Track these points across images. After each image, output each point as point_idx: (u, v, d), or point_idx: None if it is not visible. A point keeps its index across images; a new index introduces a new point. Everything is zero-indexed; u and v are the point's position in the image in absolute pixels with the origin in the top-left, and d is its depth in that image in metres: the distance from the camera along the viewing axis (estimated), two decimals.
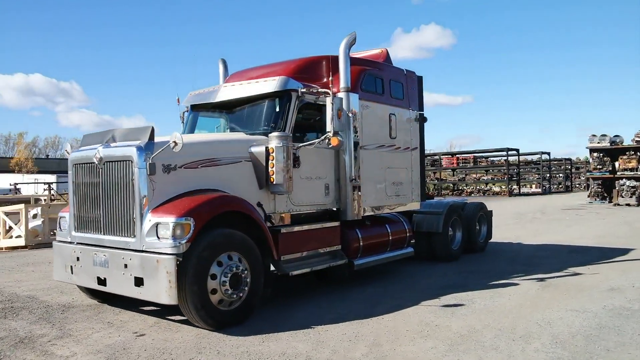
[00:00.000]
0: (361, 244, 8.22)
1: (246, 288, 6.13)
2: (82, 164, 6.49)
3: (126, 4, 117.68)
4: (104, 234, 6.23)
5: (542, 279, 8.69)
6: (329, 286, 8.29)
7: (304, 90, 7.30)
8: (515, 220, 21.37)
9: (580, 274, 9.13)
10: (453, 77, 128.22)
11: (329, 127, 7.08)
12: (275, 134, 6.80)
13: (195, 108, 8.26)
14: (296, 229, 7.18)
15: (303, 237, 7.26)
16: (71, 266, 6.60)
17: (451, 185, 54.43)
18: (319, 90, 7.25)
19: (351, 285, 8.33)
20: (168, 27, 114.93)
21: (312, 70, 8.04)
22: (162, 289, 5.54)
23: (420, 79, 10.07)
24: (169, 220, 5.60)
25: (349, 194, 7.94)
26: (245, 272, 6.14)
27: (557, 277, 8.87)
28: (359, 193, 8.05)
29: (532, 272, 9.32)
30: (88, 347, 5.39)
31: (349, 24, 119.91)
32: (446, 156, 54.87)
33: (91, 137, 6.64)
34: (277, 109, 7.32)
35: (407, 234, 9.49)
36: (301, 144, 7.22)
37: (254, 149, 6.74)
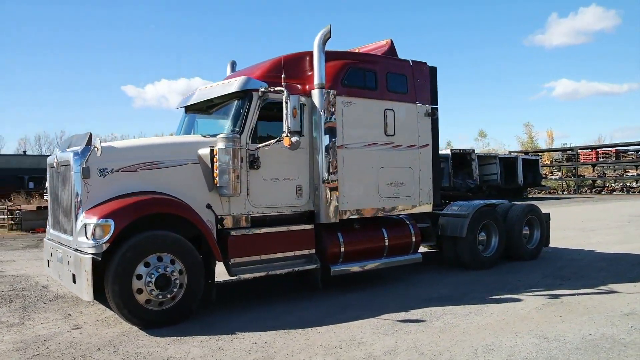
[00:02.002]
0: (342, 249, 7.81)
1: (176, 289, 6.20)
2: (49, 167, 7.11)
3: None
4: (61, 232, 6.77)
5: (558, 296, 7.47)
6: (302, 292, 7.99)
7: (264, 89, 7.13)
8: (620, 223, 18.52)
9: (616, 292, 7.66)
10: (616, 62, 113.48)
11: (284, 126, 6.83)
12: (221, 135, 6.76)
13: (186, 110, 8.52)
14: (252, 231, 7.06)
15: (262, 239, 7.12)
16: (48, 260, 7.28)
17: (590, 181, 48.86)
18: (276, 89, 7.02)
19: (329, 292, 7.94)
20: None
21: (293, 67, 7.79)
22: (82, 286, 5.86)
23: (433, 70, 9.20)
24: (91, 221, 5.89)
25: (322, 195, 7.58)
26: (176, 273, 6.21)
27: (581, 294, 7.55)
28: (336, 195, 7.65)
29: (559, 287, 8.06)
30: (18, 336, 5.92)
31: (496, 12, 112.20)
32: (584, 150, 49.31)
33: (64, 142, 7.24)
34: (240, 110, 7.26)
35: (413, 239, 8.77)
36: (260, 145, 7.08)
37: (200, 151, 6.78)
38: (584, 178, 49.81)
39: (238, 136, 6.88)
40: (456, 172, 37.85)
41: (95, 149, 5.95)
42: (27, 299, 7.87)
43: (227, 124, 7.35)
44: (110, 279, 5.86)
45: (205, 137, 7.12)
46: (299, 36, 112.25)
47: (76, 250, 6.11)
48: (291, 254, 7.37)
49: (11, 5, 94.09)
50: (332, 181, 7.59)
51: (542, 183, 45.90)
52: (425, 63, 9.03)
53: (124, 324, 6.28)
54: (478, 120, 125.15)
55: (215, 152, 6.66)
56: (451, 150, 37.92)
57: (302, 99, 7.60)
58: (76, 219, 6.18)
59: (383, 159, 8.31)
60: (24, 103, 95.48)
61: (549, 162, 52.40)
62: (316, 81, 7.54)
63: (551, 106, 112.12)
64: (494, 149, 67.52)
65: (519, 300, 7.31)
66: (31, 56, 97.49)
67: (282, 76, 6.88)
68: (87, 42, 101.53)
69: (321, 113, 7.52)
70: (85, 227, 5.97)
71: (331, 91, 7.62)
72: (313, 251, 7.56)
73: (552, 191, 50.18)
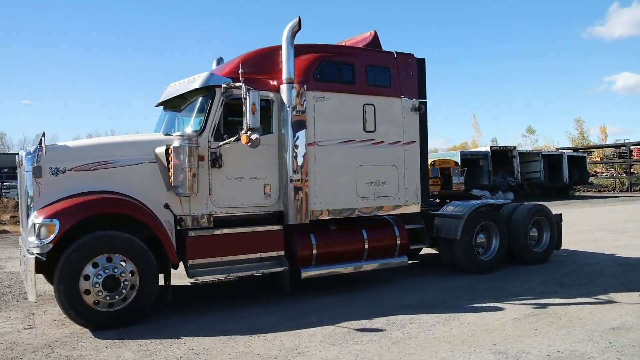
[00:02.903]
0: (315, 251, 7.46)
1: (126, 291, 6.06)
2: (18, 165, 7.14)
3: None
4: (24, 232, 6.78)
5: (546, 305, 6.85)
6: (271, 296, 7.68)
7: (226, 85, 6.89)
8: None
9: (614, 302, 6.95)
10: None
11: (244, 123, 6.56)
12: (177, 133, 6.59)
13: (165, 107, 8.39)
14: (212, 232, 6.84)
15: (224, 241, 6.89)
16: (20, 259, 7.33)
17: None
18: (236, 84, 6.75)
19: (300, 296, 7.61)
20: None
21: (265, 62, 7.53)
22: (28, 286, 5.82)
23: (421, 62, 8.68)
24: (37, 221, 5.83)
25: (290, 195, 7.26)
26: (126, 274, 6.07)
27: (574, 303, 6.88)
28: (306, 194, 7.31)
29: (553, 295, 7.41)
30: None
31: (553, 5, 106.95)
32: (637, 147, 46.37)
33: (34, 140, 7.26)
34: (204, 107, 7.06)
35: (398, 241, 8.29)
36: (221, 143, 6.86)
37: (157, 150, 6.61)
38: (638, 176, 46.79)
39: (195, 134, 6.67)
40: (496, 169, 36.49)
41: (36, 148, 5.89)
42: (5, 296, 7.98)
43: (188, 121, 7.18)
44: (56, 279, 5.79)
45: (168, 135, 6.96)
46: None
47: (27, 250, 6.09)
48: (257, 255, 7.09)
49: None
50: (300, 180, 7.26)
51: (590, 181, 43.51)
52: (411, 55, 8.52)
53: (77, 326, 6.19)
54: (529, 117, 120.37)
55: (170, 151, 6.48)
56: (491, 147, 36.59)
57: (271, 94, 7.31)
58: (27, 218, 6.16)
59: (362, 156, 7.88)
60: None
61: (599, 159, 49.60)
62: (284, 75, 7.23)
63: (611, 101, 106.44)
64: (547, 145, 64.78)
65: (500, 309, 6.74)
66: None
67: (240, 71, 6.61)
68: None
69: (288, 109, 7.21)
70: (34, 227, 5.93)
71: (300, 86, 7.29)
72: (282, 253, 7.26)
73: (602, 189, 47.46)
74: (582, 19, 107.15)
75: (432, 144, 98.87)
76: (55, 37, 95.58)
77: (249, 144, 6.49)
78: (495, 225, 9.39)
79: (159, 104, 8.05)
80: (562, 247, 12.00)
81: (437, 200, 10.92)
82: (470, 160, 35.99)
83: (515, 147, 36.74)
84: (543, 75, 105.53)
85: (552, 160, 38.28)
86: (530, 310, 6.66)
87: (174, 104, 7.79)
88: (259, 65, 7.52)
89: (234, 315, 6.63)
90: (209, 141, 6.89)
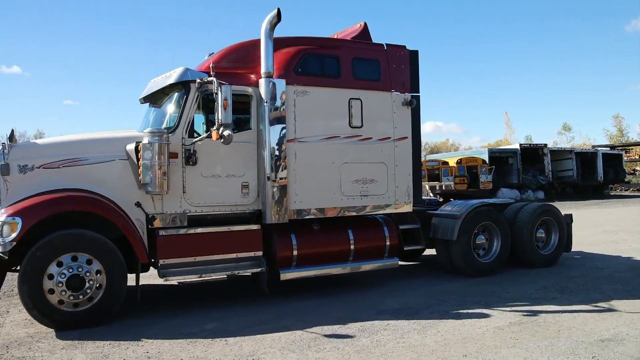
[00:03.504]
0: (295, 252, 7.19)
1: (91, 291, 5.94)
2: None
3: None
4: None
5: (538, 313, 6.39)
6: (248, 297, 7.44)
7: (200, 80, 6.68)
8: None
9: (613, 310, 6.42)
10: None
11: (215, 119, 6.36)
12: (147, 130, 6.41)
13: (150, 103, 8.25)
14: (184, 231, 6.65)
15: (197, 240, 6.69)
16: None
17: None
18: (207, 79, 6.53)
19: (279, 297, 7.36)
20: None
21: (245, 56, 7.30)
22: None
23: (414, 54, 8.26)
24: (0, 219, 5.76)
25: (267, 194, 7.01)
26: (91, 274, 5.95)
27: (568, 311, 6.39)
28: (284, 193, 7.04)
29: (550, 301, 6.93)
30: None
31: None
32: None
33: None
34: (179, 102, 6.89)
35: (388, 242, 7.92)
36: (195, 140, 6.67)
37: (128, 147, 6.47)
38: None
39: (165, 130, 6.50)
40: (526, 168, 35.35)
41: (3, 145, 5.82)
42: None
43: (168, 117, 7.02)
44: (20, 278, 5.72)
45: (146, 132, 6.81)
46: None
47: None
48: (233, 256, 6.87)
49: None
50: (278, 178, 7.00)
51: (627, 180, 41.58)
52: (403, 47, 8.12)
53: (43, 328, 6.10)
54: (566, 115, 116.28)
55: (139, 148, 6.32)
56: (520, 145, 35.42)
57: (249, 89, 7.08)
58: None
59: (347, 153, 7.55)
60: None
61: (637, 157, 47.31)
62: (262, 70, 6.97)
63: None
64: (584, 143, 62.43)
65: (486, 316, 6.31)
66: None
67: (211, 65, 6.41)
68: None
69: (265, 104, 6.95)
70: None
71: (279, 80, 7.02)
72: (260, 253, 7.01)
73: None
74: (627, 10, 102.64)
75: (467, 142, 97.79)
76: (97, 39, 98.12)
77: (222, 140, 6.30)
78: (497, 225, 8.90)
79: (141, 100, 7.91)
80: (577, 249, 11.42)
81: (441, 199, 10.47)
82: (499, 158, 34.97)
83: (546, 145, 35.46)
84: (583, 71, 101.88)
85: (585, 158, 36.77)
86: (518, 317, 6.21)
87: (156, 100, 7.64)
88: (240, 60, 7.30)
89: (206, 317, 6.43)
90: (182, 138, 6.72)
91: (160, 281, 6.69)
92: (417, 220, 8.76)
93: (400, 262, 10.32)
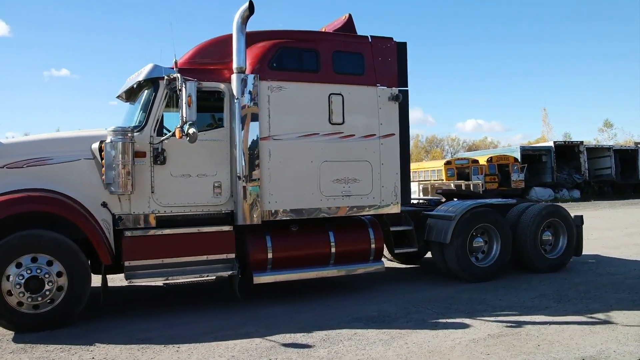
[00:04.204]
0: (270, 255, 6.89)
1: (50, 293, 5.82)
2: None
3: None
4: None
5: (522, 324, 5.89)
6: (221, 301, 7.17)
7: (167, 77, 6.47)
8: None
9: (609, 323, 5.84)
10: None
11: (180, 117, 6.14)
12: (110, 128, 6.24)
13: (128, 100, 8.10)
14: (151, 232, 6.46)
15: (165, 241, 6.48)
16: None
17: None
18: (174, 75, 6.30)
19: (252, 302, 7.07)
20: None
21: (220, 51, 7.04)
22: None
23: (402, 46, 7.79)
24: None
25: (239, 194, 6.74)
26: (52, 275, 5.83)
27: (558, 323, 5.87)
28: (257, 193, 6.75)
29: (542, 311, 6.42)
30: None
31: None
32: None
33: None
34: (149, 100, 6.71)
35: (373, 245, 7.52)
36: (162, 138, 6.48)
37: (93, 146, 6.32)
38: None
39: (129, 129, 6.32)
40: (561, 166, 33.95)
41: None
42: None
43: (137, 115, 6.85)
44: None
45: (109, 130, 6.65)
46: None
47: None
48: (203, 258, 6.63)
49: None
50: (250, 178, 6.72)
51: None
52: (390, 39, 7.68)
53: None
54: (608, 112, 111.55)
55: (102, 147, 6.17)
56: (554, 142, 34.05)
57: (222, 85, 6.83)
58: None
59: (327, 151, 7.19)
60: None
61: None
62: (234, 65, 6.71)
63: None
64: (628, 140, 59.61)
65: (465, 327, 5.85)
66: None
67: (174, 60, 6.18)
68: None
69: (236, 101, 6.69)
70: None
71: (251, 75, 6.74)
72: (232, 256, 6.75)
73: None
74: None
75: (508, 140, 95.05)
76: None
77: (187, 138, 6.08)
78: (496, 227, 8.34)
79: (118, 97, 7.78)
80: (594, 253, 10.74)
81: (443, 200, 9.95)
82: (532, 156, 33.74)
83: (582, 142, 33.93)
84: (627, 67, 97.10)
85: (625, 155, 34.99)
86: (499, 329, 5.72)
87: (131, 97, 7.50)
88: (214, 55, 7.06)
89: (171, 321, 6.21)
90: (151, 136, 6.53)
91: (144, 283, 6.56)
92: (411, 222, 8.31)
93: (400, 266, 9.97)
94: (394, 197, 7.62)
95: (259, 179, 6.76)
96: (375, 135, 7.49)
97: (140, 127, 6.54)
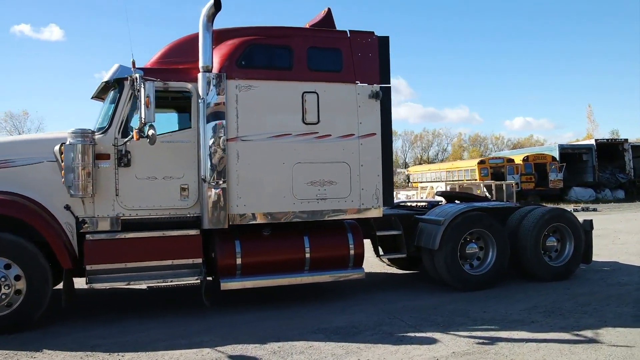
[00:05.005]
0: (239, 260, 6.64)
1: (7, 297, 5.76)
2: None
3: None
4: None
5: (498, 341, 5.40)
6: (191, 307, 6.92)
7: (131, 77, 6.31)
8: None
9: (595, 342, 5.27)
10: None
11: (139, 118, 5.97)
12: (70, 130, 6.14)
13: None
14: (114, 236, 6.32)
15: (129, 245, 6.33)
16: None
17: None
18: (137, 75, 6.13)
19: (221, 308, 6.83)
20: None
21: (190, 50, 6.83)
22: None
23: (383, 41, 7.33)
24: None
25: (204, 197, 6.51)
26: (8, 279, 5.78)
27: (540, 340, 5.35)
28: (223, 195, 6.51)
29: (527, 326, 5.91)
30: None
31: None
32: None
33: None
34: (114, 101, 6.59)
35: (352, 251, 7.13)
36: (125, 140, 6.33)
37: (55, 149, 6.23)
38: None
39: (90, 130, 6.20)
40: (604, 165, 32.22)
41: None
42: None
43: (102, 116, 6.75)
44: None
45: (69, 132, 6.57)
46: None
47: None
48: (168, 262, 6.44)
49: None
50: (216, 180, 6.48)
51: None
52: (371, 33, 7.26)
53: None
54: None
55: (62, 150, 6.07)
56: (596, 140, 32.33)
57: (189, 85, 6.62)
58: None
59: (300, 152, 6.86)
60: None
61: None
62: (200, 64, 6.50)
63: None
64: None
65: (432, 342, 5.40)
66: None
67: (132, 60, 6.02)
68: None
69: (200, 101, 6.46)
70: None
71: (218, 74, 6.51)
72: (199, 261, 6.54)
73: None
74: None
75: (557, 139, 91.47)
76: None
77: (148, 140, 5.94)
78: (491, 233, 7.79)
79: (93, 99, 7.71)
80: (612, 260, 9.98)
81: (443, 201, 9.43)
82: (571, 154, 32.19)
83: (626, 140, 32.05)
84: None
85: None
86: (468, 346, 5.24)
87: (102, 98, 7.42)
88: (183, 54, 6.86)
89: (129, 328, 6.06)
90: (115, 138, 6.40)
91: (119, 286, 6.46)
92: (400, 226, 7.88)
93: (398, 272, 9.50)
94: (375, 200, 7.21)
95: (225, 182, 6.52)
96: (354, 135, 7.10)
97: (104, 129, 6.42)
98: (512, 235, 8.10)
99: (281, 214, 6.82)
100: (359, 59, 7.14)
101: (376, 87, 7.19)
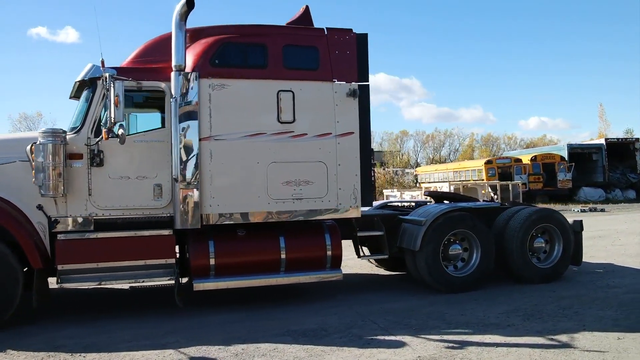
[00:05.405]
0: (213, 260, 6.57)
1: None
2: None
3: None
4: None
5: (467, 345, 5.27)
6: (166, 308, 6.82)
7: (102, 77, 6.28)
8: None
9: (568, 347, 5.09)
10: None
11: (108, 117, 5.95)
12: (41, 130, 6.13)
13: None
14: (86, 235, 6.29)
15: (101, 245, 6.30)
16: None
17: None
18: (107, 74, 6.09)
19: (193, 310, 6.75)
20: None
21: (163, 49, 6.77)
22: None
23: (362, 38, 7.20)
24: None
25: (176, 197, 6.45)
26: None
27: (511, 345, 5.19)
28: (195, 195, 6.44)
29: (501, 330, 5.73)
30: None
31: None
32: None
33: None
34: (87, 100, 6.57)
35: (329, 252, 7.02)
36: (97, 139, 6.30)
37: (27, 148, 6.21)
38: None
39: (61, 130, 6.19)
40: (614, 165, 31.64)
41: None
42: None
43: (76, 115, 6.73)
44: None
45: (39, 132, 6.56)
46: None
47: None
48: (141, 262, 6.40)
49: None
50: (189, 180, 6.41)
51: None
52: (349, 30, 7.15)
53: None
54: None
55: (32, 149, 6.06)
56: (606, 139, 31.77)
57: (162, 85, 6.58)
58: None
59: (275, 152, 6.77)
60: None
61: None
62: (173, 63, 6.44)
63: None
64: None
65: (400, 346, 5.27)
66: None
67: (101, 59, 5.99)
68: None
69: (172, 100, 6.41)
70: None
71: (190, 73, 6.45)
72: (172, 261, 6.49)
73: None
74: None
75: (573, 138, 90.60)
76: None
77: (118, 139, 5.94)
78: (475, 234, 7.62)
79: (71, 98, 7.70)
80: (608, 261, 9.74)
81: (431, 201, 9.27)
82: (581, 154, 31.66)
83: (637, 139, 31.43)
84: None
85: None
86: (435, 351, 5.11)
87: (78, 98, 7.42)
88: (158, 53, 6.81)
89: (97, 328, 6.02)
90: (88, 137, 6.37)
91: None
92: (382, 227, 7.75)
93: (386, 273, 9.36)
94: (353, 200, 7.09)
95: (198, 181, 6.45)
96: (330, 134, 6.99)
97: (77, 128, 6.40)
98: (499, 236, 7.93)
99: (255, 214, 6.74)
100: (337, 56, 7.04)
101: (354, 85, 7.08)
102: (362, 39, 7.24)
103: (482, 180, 28.99)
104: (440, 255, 7.48)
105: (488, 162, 30.95)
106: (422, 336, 5.55)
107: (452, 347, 5.19)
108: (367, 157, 7.28)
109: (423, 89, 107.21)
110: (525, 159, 30.66)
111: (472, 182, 26.86)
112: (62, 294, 7.48)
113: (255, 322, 6.18)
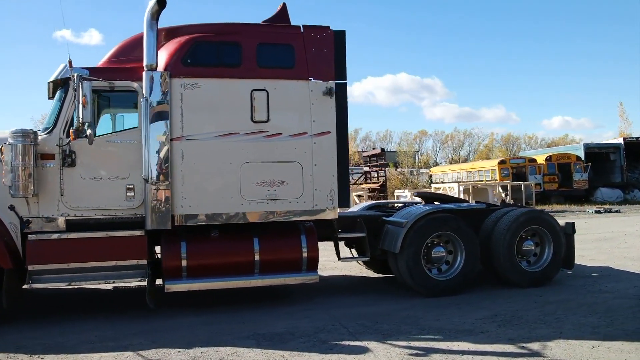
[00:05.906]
0: (184, 262, 6.49)
1: None
2: None
3: None
4: None
5: (434, 352, 5.09)
6: (137, 310, 6.71)
7: (78, 77, 6.24)
8: None
9: (538, 356, 4.86)
10: None
11: (75, 118, 5.93)
12: (10, 130, 6.13)
13: None
14: (56, 236, 6.27)
15: (72, 246, 6.27)
16: None
17: None
18: (75, 74, 6.06)
19: (167, 311, 6.70)
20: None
21: (136, 49, 6.73)
22: None
23: (339, 35, 7.04)
24: None
25: (147, 197, 6.39)
26: None
27: (479, 352, 5.00)
28: (166, 196, 6.37)
29: (474, 337, 5.53)
30: None
31: None
32: None
33: None
34: (60, 100, 6.56)
35: (305, 254, 6.88)
36: (68, 140, 6.28)
37: None
38: None
39: (31, 130, 6.18)
40: (633, 165, 30.80)
41: None
42: None
43: (49, 116, 6.73)
44: None
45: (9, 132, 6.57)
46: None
47: None
48: (112, 263, 6.36)
49: None
50: (160, 180, 6.35)
51: None
52: (326, 27, 6.99)
53: None
54: None
55: (2, 150, 6.07)
56: (624, 138, 30.92)
57: (134, 84, 6.53)
58: None
59: (249, 152, 6.66)
60: None
61: None
62: (144, 62, 6.38)
63: None
64: None
65: (362, 352, 5.12)
66: None
67: (68, 59, 5.96)
68: None
69: (142, 100, 6.35)
70: None
71: (161, 72, 6.38)
72: (144, 262, 6.43)
73: None
74: None
75: (596, 138, 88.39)
76: None
77: (86, 140, 5.95)
78: (459, 236, 7.40)
79: (50, 99, 7.72)
80: (607, 264, 9.42)
81: (421, 202, 9.05)
82: (598, 154, 30.88)
83: None
84: None
85: None
86: (399, 358, 4.93)
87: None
88: (133, 53, 6.78)
89: (63, 329, 5.99)
90: (60, 138, 6.36)
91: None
92: (364, 228, 7.58)
93: (377, 275, 9.16)
94: (329, 201, 6.94)
95: (169, 182, 6.39)
96: (306, 133, 6.85)
97: (49, 129, 6.40)
98: (487, 238, 7.71)
99: (228, 215, 6.64)
100: (313, 54, 6.89)
101: (331, 83, 6.92)
102: (340, 36, 7.07)
103: (496, 180, 28.50)
104: (423, 258, 7.28)
105: (502, 162, 30.39)
106: (389, 342, 5.38)
107: (416, 355, 5.01)
108: (345, 157, 7.11)
109: (445, 89, 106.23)
110: (540, 159, 30.02)
111: (482, 182, 26.37)
112: (41, 294, 7.48)
113: (225, 325, 6.08)
